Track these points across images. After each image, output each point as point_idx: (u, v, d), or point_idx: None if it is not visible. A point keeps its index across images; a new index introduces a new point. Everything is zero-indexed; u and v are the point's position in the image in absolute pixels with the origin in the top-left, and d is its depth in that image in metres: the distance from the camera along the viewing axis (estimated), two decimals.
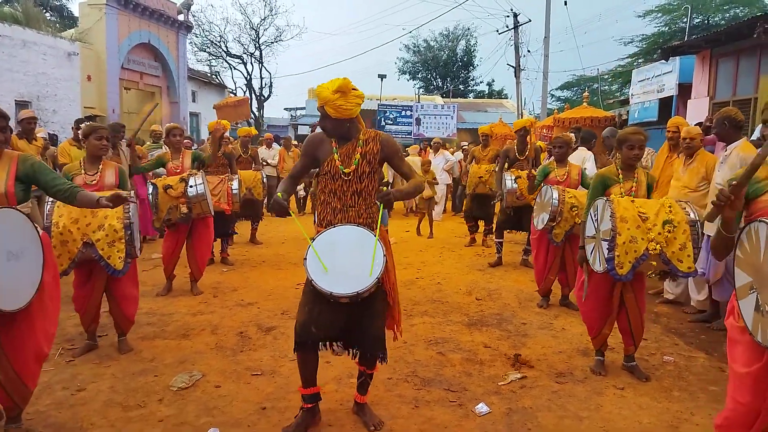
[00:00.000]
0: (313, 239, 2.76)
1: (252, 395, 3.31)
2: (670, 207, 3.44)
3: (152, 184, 5.23)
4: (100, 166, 3.94)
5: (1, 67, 13.91)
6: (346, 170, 2.79)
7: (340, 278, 2.63)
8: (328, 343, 2.89)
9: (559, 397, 3.35)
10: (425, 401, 3.27)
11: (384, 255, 2.68)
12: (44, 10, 22.11)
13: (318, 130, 3.07)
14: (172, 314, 4.83)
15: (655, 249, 3.33)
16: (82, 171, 3.90)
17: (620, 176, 3.71)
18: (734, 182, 2.12)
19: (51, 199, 3.51)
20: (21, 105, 13.93)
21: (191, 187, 5.16)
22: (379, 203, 2.76)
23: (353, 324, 2.80)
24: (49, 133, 9.90)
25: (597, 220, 3.58)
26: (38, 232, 2.66)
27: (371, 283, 2.61)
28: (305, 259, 2.69)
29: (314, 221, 3.03)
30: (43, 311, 2.76)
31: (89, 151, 3.95)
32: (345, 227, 2.78)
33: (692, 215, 3.39)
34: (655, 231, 3.35)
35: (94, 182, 3.87)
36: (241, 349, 4.07)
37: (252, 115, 14.96)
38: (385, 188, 2.95)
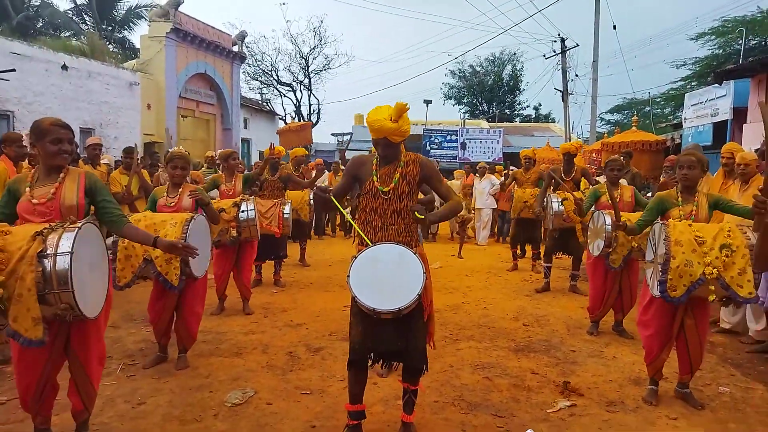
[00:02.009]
0: (355, 257, 2.86)
1: (302, 413, 3.40)
2: (729, 231, 3.37)
3: None
4: (180, 190, 4.27)
5: (67, 96, 14.81)
6: (384, 189, 2.91)
7: (383, 295, 2.71)
8: (380, 362, 3.00)
9: (610, 426, 3.30)
10: (472, 425, 3.28)
11: (424, 272, 2.76)
12: (108, 43, 23.45)
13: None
14: (226, 333, 5.00)
15: (712, 273, 3.27)
16: (165, 194, 4.25)
17: (679, 199, 3.68)
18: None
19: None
20: (85, 132, 14.78)
21: (243, 212, 5.39)
22: (414, 213, 2.80)
23: (399, 338, 2.88)
24: (115, 161, 10.46)
25: (655, 244, 3.55)
26: (105, 244, 2.86)
27: (413, 300, 2.68)
28: (348, 276, 2.79)
29: (353, 242, 3.13)
30: (104, 315, 2.94)
31: (169, 177, 4.36)
32: (385, 245, 2.88)
33: (753, 239, 3.31)
34: (713, 255, 3.29)
35: (172, 204, 4.19)
36: (290, 368, 4.18)
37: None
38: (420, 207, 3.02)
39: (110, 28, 25.86)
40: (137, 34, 24.39)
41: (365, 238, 2.93)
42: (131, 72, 17.26)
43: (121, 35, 26.51)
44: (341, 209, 3.08)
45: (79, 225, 2.60)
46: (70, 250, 2.47)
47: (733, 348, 4.90)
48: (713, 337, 5.15)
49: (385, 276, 2.78)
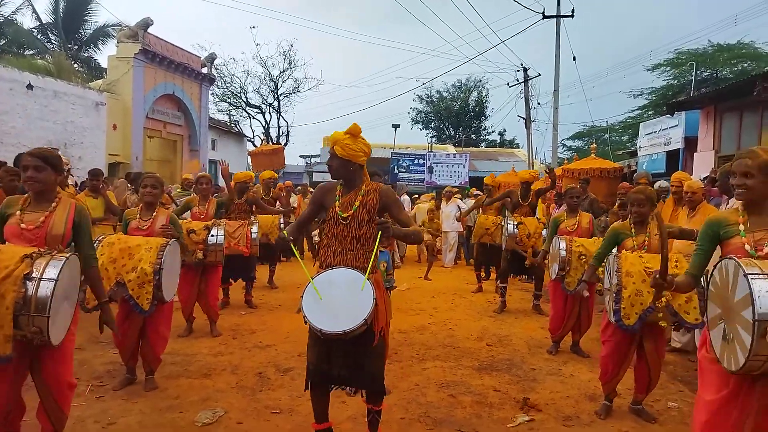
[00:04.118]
0: (313, 278, 2.97)
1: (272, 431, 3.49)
2: (676, 261, 3.63)
3: None
4: (154, 213, 4.29)
5: (33, 115, 14.62)
6: (344, 215, 3.05)
7: (331, 317, 2.80)
8: (341, 386, 3.10)
9: None
10: None
11: (374, 298, 2.85)
12: (73, 62, 23.20)
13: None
14: (195, 354, 5.04)
15: (661, 302, 3.52)
16: (137, 216, 4.28)
17: (632, 230, 3.93)
18: (657, 276, 2.52)
19: (97, 237, 3.98)
20: None
21: (212, 236, 5.49)
22: (378, 230, 2.88)
23: (350, 362, 2.97)
24: (81, 182, 10.35)
25: (610, 274, 3.80)
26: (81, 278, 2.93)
27: (358, 324, 2.75)
28: (302, 297, 2.88)
29: (313, 265, 3.25)
30: (71, 344, 2.99)
31: (141, 199, 4.38)
32: (342, 269, 2.99)
33: None
34: None
35: (145, 227, 4.23)
36: (260, 388, 4.26)
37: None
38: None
39: (76, 47, 25.60)
40: (104, 54, 24.27)
41: (307, 274, 3.00)
42: (97, 92, 17.12)
43: (87, 54, 26.27)
44: (298, 256, 3.18)
45: (67, 256, 2.69)
46: (55, 278, 2.55)
47: (683, 366, 5.17)
48: (665, 355, 5.42)
49: (337, 299, 2.86)
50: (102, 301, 3.16)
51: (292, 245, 3.07)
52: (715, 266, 2.37)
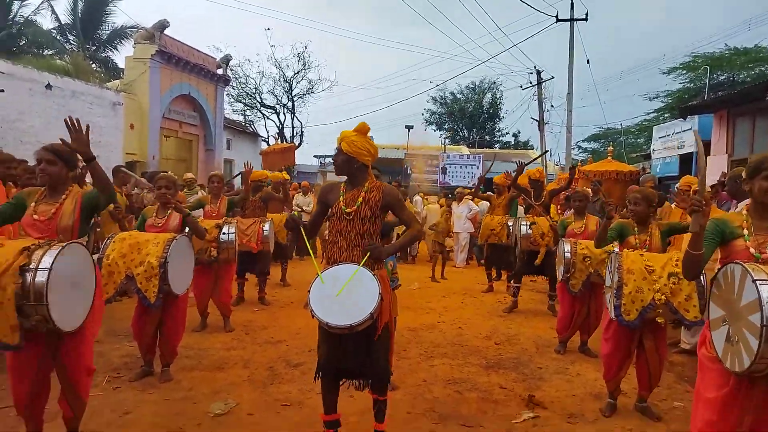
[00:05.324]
0: (318, 275, 3.06)
1: (282, 423, 3.60)
2: (677, 261, 3.69)
3: None
4: (169, 212, 4.46)
5: (51, 115, 14.86)
6: (347, 210, 3.14)
7: (338, 311, 2.90)
8: (349, 378, 3.21)
9: None
10: None
11: (380, 293, 2.93)
12: (91, 62, 23.55)
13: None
14: (208, 349, 5.16)
15: (661, 299, 3.59)
16: (154, 214, 4.46)
17: (636, 229, 4.02)
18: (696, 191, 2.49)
19: (109, 235, 4.15)
20: None
21: (224, 234, 5.63)
22: (367, 249, 3.04)
23: (359, 355, 3.07)
24: None
25: (611, 271, 3.86)
26: (94, 264, 3.06)
27: (364, 318, 2.85)
28: (309, 291, 2.98)
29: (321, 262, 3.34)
30: (91, 331, 3.11)
31: (156, 197, 4.56)
32: (348, 265, 3.07)
33: None
34: (661, 282, 3.61)
35: (160, 224, 4.40)
36: (271, 382, 4.36)
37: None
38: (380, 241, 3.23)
39: (94, 47, 25.98)
40: (121, 54, 24.57)
41: (317, 267, 3.09)
42: (114, 92, 17.39)
43: (104, 55, 26.64)
44: (305, 239, 3.30)
45: (64, 244, 2.79)
46: (49, 266, 2.65)
47: (691, 367, 5.17)
48: (673, 356, 5.44)
49: (343, 294, 2.94)
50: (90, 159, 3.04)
51: (301, 228, 3.20)
52: (719, 270, 2.42)
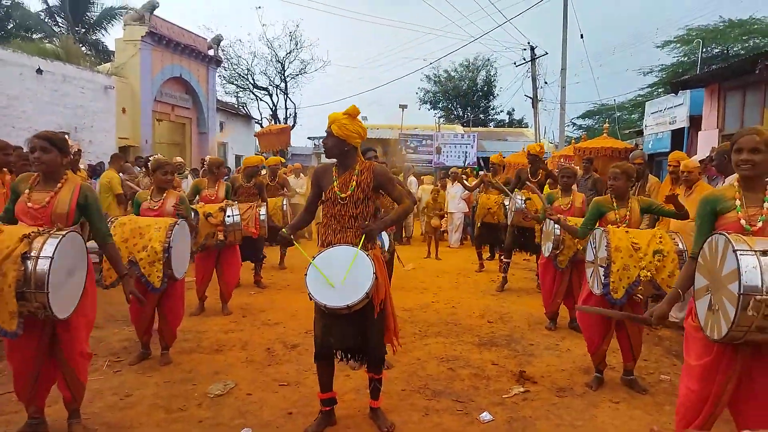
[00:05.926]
0: (314, 257, 3.16)
1: (280, 402, 3.70)
2: (660, 238, 3.80)
3: (194, 210, 5.74)
4: (164, 195, 4.52)
5: (42, 100, 14.77)
6: (342, 195, 3.21)
7: (335, 292, 2.99)
8: (346, 357, 3.31)
9: (558, 409, 3.67)
10: (435, 410, 3.62)
11: (374, 273, 3.03)
12: (81, 45, 23.29)
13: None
14: (206, 332, 5.26)
15: (647, 276, 3.69)
16: (149, 197, 4.50)
17: (614, 204, 4.10)
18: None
19: (110, 218, 4.23)
20: None
21: (229, 216, 5.70)
22: (363, 232, 3.15)
23: (356, 334, 3.19)
24: (90, 165, 10.56)
25: (595, 248, 3.95)
26: (87, 251, 3.11)
27: (361, 298, 2.95)
28: (306, 275, 3.08)
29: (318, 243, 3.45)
30: (85, 317, 3.16)
31: (156, 183, 4.59)
32: (342, 247, 3.17)
33: (680, 245, 3.76)
34: (647, 260, 3.71)
35: (156, 207, 4.45)
36: (269, 363, 4.47)
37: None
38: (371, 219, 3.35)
39: (83, 30, 25.68)
40: (111, 36, 24.34)
41: (307, 257, 3.22)
42: (106, 76, 17.24)
43: (94, 37, 26.34)
44: (300, 249, 3.39)
45: (64, 233, 2.85)
46: (51, 255, 2.72)
47: (678, 341, 5.30)
48: (661, 331, 5.57)
49: (339, 275, 3.03)
50: (122, 274, 3.35)
51: (293, 241, 3.37)
52: (705, 240, 2.50)
